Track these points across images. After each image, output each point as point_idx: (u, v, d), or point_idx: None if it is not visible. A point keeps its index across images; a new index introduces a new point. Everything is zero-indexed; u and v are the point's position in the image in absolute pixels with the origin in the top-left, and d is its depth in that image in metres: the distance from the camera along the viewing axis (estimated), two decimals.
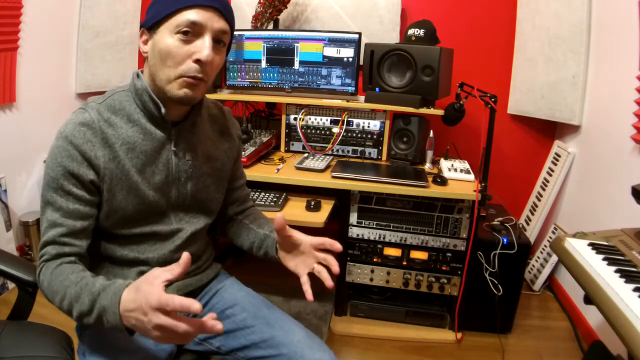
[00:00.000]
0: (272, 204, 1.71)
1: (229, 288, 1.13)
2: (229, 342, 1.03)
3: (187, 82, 0.87)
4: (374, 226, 1.85)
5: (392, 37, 2.40)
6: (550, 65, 2.19)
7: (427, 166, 1.99)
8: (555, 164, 2.31)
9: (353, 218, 1.86)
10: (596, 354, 1.46)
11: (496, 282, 1.81)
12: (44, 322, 1.04)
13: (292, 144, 2.16)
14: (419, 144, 1.97)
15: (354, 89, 2.09)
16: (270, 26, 2.32)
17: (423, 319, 1.95)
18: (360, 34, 2.04)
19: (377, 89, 1.99)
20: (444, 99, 2.00)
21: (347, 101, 2.07)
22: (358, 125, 2.08)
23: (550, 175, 2.33)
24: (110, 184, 0.89)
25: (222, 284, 1.14)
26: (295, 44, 2.09)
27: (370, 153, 2.10)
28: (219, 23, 0.87)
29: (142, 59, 0.93)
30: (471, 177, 1.84)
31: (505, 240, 1.80)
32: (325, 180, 1.77)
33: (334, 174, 1.78)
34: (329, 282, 0.91)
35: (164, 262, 0.99)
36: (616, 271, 0.96)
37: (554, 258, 2.21)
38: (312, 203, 1.74)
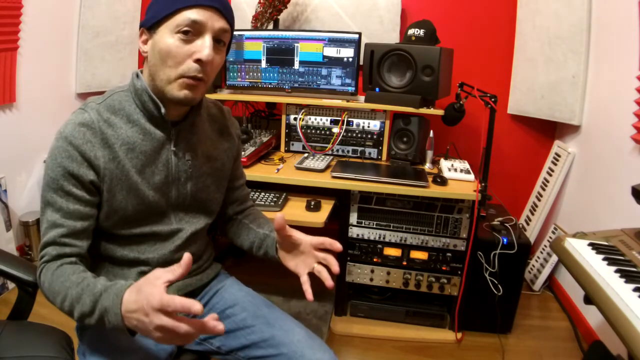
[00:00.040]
0: (272, 204, 1.71)
1: (229, 288, 1.13)
2: (229, 341, 1.03)
3: (187, 83, 0.87)
4: (374, 226, 1.85)
5: (392, 37, 2.40)
6: (550, 65, 2.19)
7: (427, 166, 1.99)
8: (555, 164, 2.31)
9: (353, 218, 1.86)
10: (596, 354, 1.46)
11: (496, 282, 1.81)
12: (44, 322, 1.04)
13: (292, 144, 2.16)
14: (419, 144, 1.97)
15: (354, 89, 2.09)
16: (270, 26, 2.32)
17: (423, 319, 1.95)
18: (360, 34, 2.04)
19: (377, 89, 1.99)
20: (444, 99, 2.00)
21: (347, 101, 2.07)
22: (358, 125, 2.08)
23: (550, 175, 2.33)
24: (110, 184, 0.89)
25: (222, 283, 1.14)
26: (295, 44, 2.09)
27: (370, 153, 2.10)
28: (219, 22, 0.87)
29: (142, 59, 0.93)
30: (471, 177, 1.84)
31: (505, 240, 1.80)
32: (325, 180, 1.77)
33: (334, 174, 1.78)
34: (329, 282, 0.91)
35: (164, 262, 0.99)
36: (616, 271, 0.96)
37: (554, 258, 2.21)
38: (312, 203, 1.74)
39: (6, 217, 2.10)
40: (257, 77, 2.18)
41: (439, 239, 1.81)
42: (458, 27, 2.41)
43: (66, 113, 0.92)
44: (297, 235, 0.96)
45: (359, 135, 2.09)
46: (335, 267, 0.91)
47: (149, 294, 0.71)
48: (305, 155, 2.03)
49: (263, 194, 1.78)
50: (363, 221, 1.85)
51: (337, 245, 0.92)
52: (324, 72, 2.10)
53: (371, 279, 1.91)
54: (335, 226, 1.87)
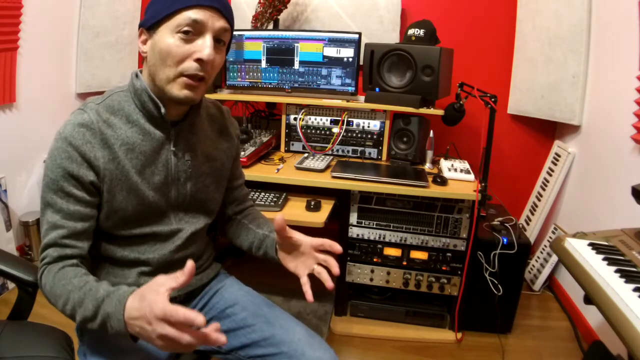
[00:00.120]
0: (272, 204, 1.71)
1: (229, 287, 1.13)
2: (230, 341, 1.03)
3: (187, 83, 0.86)
4: (374, 226, 1.85)
5: (392, 37, 2.40)
6: (550, 65, 2.19)
7: (427, 166, 1.99)
8: (555, 164, 2.31)
9: (353, 218, 1.86)
10: (596, 354, 1.46)
11: (496, 282, 1.81)
12: (44, 322, 1.04)
13: (292, 144, 2.16)
14: (419, 144, 1.97)
15: (354, 89, 2.09)
16: (270, 26, 2.32)
17: (423, 319, 1.95)
18: (360, 34, 2.04)
19: (377, 89, 1.99)
20: (444, 99, 2.00)
21: (347, 101, 2.07)
22: (358, 125, 2.08)
23: (550, 175, 2.33)
24: (110, 184, 0.89)
25: (222, 283, 1.14)
26: (295, 44, 2.09)
27: (370, 153, 2.10)
28: (219, 22, 0.87)
29: (142, 59, 0.93)
30: (471, 177, 1.84)
31: (505, 240, 1.80)
32: (325, 180, 1.77)
33: (334, 174, 1.78)
34: (329, 283, 0.91)
35: (165, 262, 0.99)
36: (616, 271, 0.96)
37: (554, 258, 2.21)
38: (312, 203, 1.74)
39: (6, 217, 2.10)
40: (257, 77, 2.18)
41: (439, 239, 1.81)
42: (458, 27, 2.41)
43: (66, 113, 0.92)
44: (297, 236, 0.96)
45: (359, 135, 2.09)
46: (335, 268, 0.91)
47: (152, 302, 0.71)
48: (305, 155, 2.03)
49: (263, 194, 1.78)
50: (363, 221, 1.85)
51: (337, 247, 0.92)
52: (324, 72, 2.10)
53: (371, 279, 1.91)
54: (335, 226, 1.87)
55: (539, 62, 2.24)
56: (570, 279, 1.70)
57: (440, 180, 1.76)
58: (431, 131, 1.96)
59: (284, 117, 2.13)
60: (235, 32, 2.05)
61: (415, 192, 1.72)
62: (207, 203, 1.06)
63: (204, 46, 0.85)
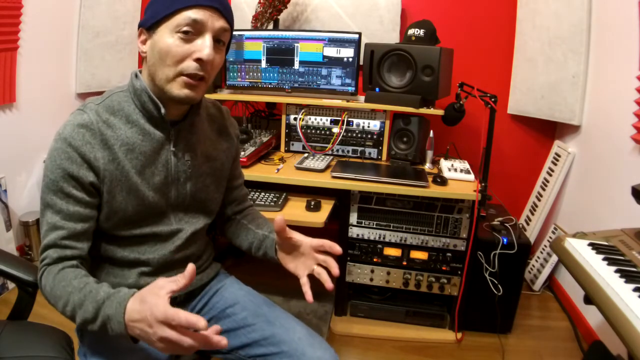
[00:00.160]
0: (272, 204, 1.71)
1: (229, 287, 1.13)
2: (230, 340, 1.02)
3: (187, 82, 0.86)
4: (374, 226, 1.85)
5: (392, 37, 2.40)
6: (550, 65, 2.19)
7: (427, 166, 1.99)
8: (555, 164, 2.31)
9: (353, 218, 1.86)
10: (596, 354, 1.46)
11: (496, 282, 1.81)
12: (44, 322, 1.04)
13: (292, 144, 2.16)
14: (419, 144, 1.97)
15: (354, 89, 2.09)
16: (270, 26, 2.32)
17: (423, 319, 1.95)
18: (360, 34, 2.04)
19: (377, 89, 1.99)
20: (444, 99, 2.00)
21: (347, 101, 2.07)
22: (358, 125, 2.08)
23: (550, 175, 2.33)
24: (110, 185, 0.89)
25: (222, 283, 1.14)
26: (295, 44, 2.09)
27: (370, 153, 2.10)
28: (219, 22, 0.87)
29: (142, 59, 0.93)
30: (471, 177, 1.84)
31: (505, 240, 1.80)
32: (325, 180, 1.77)
33: (334, 174, 1.78)
34: (328, 284, 0.91)
35: (165, 262, 0.99)
36: (616, 271, 0.96)
37: (554, 258, 2.21)
38: (312, 203, 1.74)
39: (6, 217, 2.10)
40: (257, 77, 2.18)
41: (439, 239, 1.81)
42: (458, 27, 2.41)
43: (66, 113, 0.92)
44: (297, 237, 0.96)
45: (359, 135, 2.09)
46: (335, 269, 0.91)
47: (152, 305, 0.71)
48: (305, 155, 2.03)
49: (263, 194, 1.78)
50: (363, 221, 1.85)
51: (337, 248, 0.92)
52: (324, 72, 2.10)
53: (371, 279, 1.91)
54: (335, 226, 1.87)
55: (539, 62, 2.24)
56: (570, 279, 1.71)
57: (440, 180, 1.76)
58: (431, 131, 1.96)
59: (284, 117, 2.13)
60: (235, 32, 2.05)
61: (415, 192, 1.72)
62: (206, 203, 1.06)
63: (204, 46, 0.85)
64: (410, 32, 1.96)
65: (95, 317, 0.78)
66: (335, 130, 2.09)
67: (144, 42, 0.89)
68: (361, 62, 2.07)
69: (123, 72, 2.57)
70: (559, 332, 2.00)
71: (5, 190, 2.11)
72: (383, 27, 2.41)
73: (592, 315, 1.90)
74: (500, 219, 1.96)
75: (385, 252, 1.87)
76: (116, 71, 2.56)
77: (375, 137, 2.08)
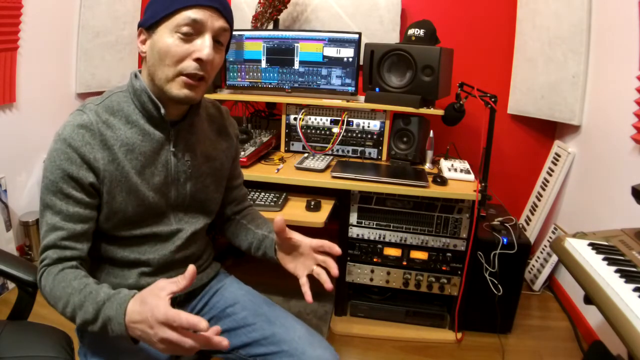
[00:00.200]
0: (272, 204, 1.71)
1: (229, 287, 1.13)
2: (230, 340, 1.02)
3: (187, 82, 0.86)
4: (374, 226, 1.85)
5: (392, 37, 2.40)
6: (550, 65, 2.19)
7: (427, 166, 1.99)
8: (555, 164, 2.31)
9: (353, 218, 1.86)
10: (596, 354, 1.46)
11: (496, 282, 1.81)
12: (44, 322, 1.04)
13: (292, 144, 2.16)
14: (419, 144, 1.97)
15: (354, 89, 2.09)
16: (270, 26, 2.32)
17: (423, 319, 1.95)
18: (360, 34, 2.04)
19: (377, 89, 1.99)
20: (444, 99, 2.00)
21: (347, 101, 2.07)
22: (358, 125, 2.08)
23: (550, 175, 2.33)
24: (110, 186, 0.89)
25: (222, 282, 1.14)
26: (295, 44, 2.09)
27: (370, 153, 2.10)
28: (219, 22, 0.87)
29: (141, 59, 0.93)
30: (471, 177, 1.84)
31: (505, 240, 1.80)
32: (325, 180, 1.77)
33: (334, 174, 1.78)
34: (328, 284, 0.91)
35: (165, 262, 0.99)
36: (616, 271, 0.96)
37: (554, 258, 2.21)
38: (312, 203, 1.74)
39: (6, 217, 2.10)
40: (257, 77, 2.18)
41: (439, 239, 1.81)
42: (458, 27, 2.41)
43: (66, 113, 0.92)
44: (297, 237, 0.96)
45: (359, 135, 2.09)
46: (334, 270, 0.91)
47: (153, 306, 0.71)
48: (305, 155, 2.03)
49: (263, 194, 1.78)
50: (363, 221, 1.85)
51: (336, 249, 0.92)
52: (324, 72, 2.10)
53: (371, 279, 1.91)
54: (335, 226, 1.87)
55: (539, 62, 2.24)
56: (570, 279, 1.71)
57: (440, 180, 1.76)
58: (431, 131, 1.96)
59: (284, 117, 2.13)
60: (235, 32, 2.05)
61: (415, 192, 1.72)
62: (206, 203, 1.06)
63: (204, 46, 0.85)
64: (410, 32, 1.96)
65: (96, 318, 0.78)
66: (335, 130, 2.09)
67: (143, 42, 0.89)
68: (361, 62, 2.07)
69: (123, 72, 2.57)
70: (559, 332, 2.00)
71: (5, 190, 2.11)
72: (383, 27, 2.41)
73: (592, 315, 1.90)
74: (500, 219, 1.96)
75: (385, 252, 1.87)
76: (116, 71, 2.56)
77: (375, 137, 2.08)
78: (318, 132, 2.12)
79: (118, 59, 2.57)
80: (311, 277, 0.94)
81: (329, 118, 2.10)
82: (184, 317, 0.69)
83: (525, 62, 2.32)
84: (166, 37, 0.85)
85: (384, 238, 1.85)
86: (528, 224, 2.43)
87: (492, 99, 1.67)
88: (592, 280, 0.98)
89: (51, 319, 1.08)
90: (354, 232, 1.87)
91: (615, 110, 1.85)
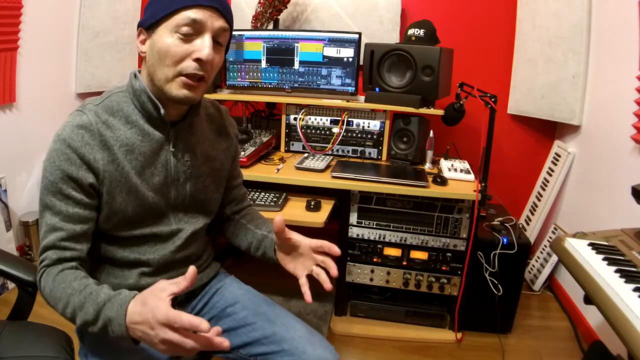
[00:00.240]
0: (272, 204, 1.71)
1: (229, 286, 1.13)
2: (231, 339, 1.02)
3: (186, 82, 0.86)
4: (374, 226, 1.85)
5: (392, 37, 2.40)
6: (550, 65, 2.19)
7: (427, 166, 1.98)
8: (555, 164, 2.31)
9: (353, 218, 1.86)
10: (596, 354, 1.46)
11: (496, 282, 1.81)
12: (44, 322, 1.04)
13: (292, 144, 2.16)
14: (419, 144, 1.97)
15: (354, 89, 2.09)
16: (270, 26, 2.32)
17: (423, 319, 1.95)
18: (360, 34, 2.04)
19: (377, 89, 1.99)
20: (444, 99, 2.00)
21: (347, 101, 2.07)
22: (358, 125, 2.08)
23: (550, 175, 2.33)
24: (109, 186, 0.89)
25: (222, 282, 1.14)
26: (295, 44, 2.09)
27: (370, 153, 2.10)
28: (218, 22, 0.87)
29: (141, 59, 0.93)
30: (471, 177, 1.84)
31: (505, 240, 1.80)
32: (325, 180, 1.77)
33: (334, 174, 1.78)
34: (327, 284, 0.91)
35: (165, 262, 0.99)
36: (616, 271, 0.96)
37: (554, 258, 2.21)
38: (312, 203, 1.74)
39: (6, 217, 2.10)
40: (257, 77, 2.18)
41: (439, 239, 1.81)
42: (458, 27, 2.41)
43: (66, 113, 0.91)
44: (296, 237, 0.96)
45: (359, 135, 2.09)
46: (333, 270, 0.91)
47: (154, 307, 0.71)
48: (305, 155, 2.03)
49: (263, 194, 1.78)
50: (363, 221, 1.85)
51: (336, 250, 0.92)
52: (324, 72, 2.10)
53: (371, 279, 1.91)
54: (335, 226, 1.87)
55: (539, 62, 2.24)
56: (570, 279, 1.70)
57: (440, 180, 1.76)
58: (431, 131, 1.96)
59: (284, 117, 2.13)
60: (235, 32, 2.05)
61: (415, 192, 1.72)
62: (206, 203, 1.06)
63: (203, 46, 0.85)
64: (410, 32, 1.96)
65: (96, 319, 0.78)
66: (335, 130, 2.09)
67: (143, 42, 0.89)
68: (361, 62, 2.07)
69: (123, 72, 2.57)
70: (559, 332, 2.00)
71: (5, 190, 2.11)
72: (383, 27, 2.41)
73: (592, 315, 1.90)
74: (500, 219, 1.96)
75: (385, 252, 1.87)
76: (116, 71, 2.56)
77: (375, 137, 2.08)
78: (318, 132, 2.12)
79: (118, 59, 2.57)
80: (311, 277, 0.94)
81: (329, 118, 2.10)
82: (186, 318, 0.69)
83: (525, 62, 2.32)
84: (166, 37, 0.84)
85: (384, 238, 1.85)
86: (528, 224, 2.43)
87: (492, 99, 1.67)
88: (592, 280, 0.98)
89: (51, 319, 1.08)
90: (354, 232, 1.87)
91: (615, 110, 1.85)
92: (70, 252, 0.86)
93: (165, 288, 0.74)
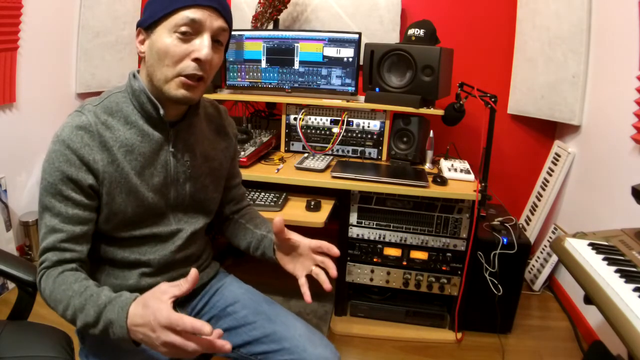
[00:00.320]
0: (272, 204, 1.71)
1: (228, 286, 1.13)
2: (231, 339, 1.03)
3: (185, 83, 0.86)
4: (374, 226, 1.85)
5: (392, 37, 2.40)
6: (550, 65, 2.19)
7: (427, 166, 1.98)
8: (555, 164, 2.31)
9: (353, 218, 1.86)
10: (596, 354, 1.46)
11: (496, 282, 1.81)
12: (44, 322, 1.04)
13: (292, 144, 2.16)
14: (419, 144, 1.97)
15: (354, 89, 2.09)
16: (270, 26, 2.32)
17: (423, 319, 1.95)
18: (360, 34, 2.04)
19: (377, 89, 1.99)
20: (444, 99, 2.00)
21: (347, 101, 2.07)
22: (358, 125, 2.08)
23: (550, 175, 2.33)
24: (109, 187, 0.88)
25: (222, 282, 1.14)
26: (295, 44, 2.09)
27: (370, 153, 2.10)
28: (217, 22, 0.86)
29: (140, 59, 0.92)
30: (471, 177, 1.84)
31: (505, 240, 1.80)
32: (325, 180, 1.77)
33: (334, 174, 1.78)
34: (326, 284, 0.91)
35: (166, 262, 0.99)
36: (616, 271, 0.96)
37: (554, 258, 2.21)
38: (312, 203, 1.74)
39: (6, 217, 2.10)
40: (257, 77, 2.18)
41: (439, 239, 1.81)
42: (458, 27, 2.41)
43: (66, 113, 0.91)
44: (296, 237, 0.96)
45: (359, 135, 2.09)
46: (332, 270, 0.91)
47: (156, 310, 0.71)
48: (305, 155, 2.03)
49: (263, 194, 1.78)
50: (363, 221, 1.85)
51: (335, 250, 0.92)
52: (324, 72, 2.10)
53: (371, 279, 1.91)
54: (335, 226, 1.87)
55: (539, 62, 2.24)
56: (570, 279, 1.70)
57: (440, 180, 1.76)
58: (431, 131, 1.96)
59: (284, 117, 2.13)
60: (235, 32, 2.05)
61: (415, 192, 1.72)
62: (205, 203, 1.06)
63: (202, 46, 0.84)
64: (410, 32, 1.96)
65: (97, 322, 0.78)
66: (335, 130, 2.09)
67: (142, 42, 0.89)
68: (361, 62, 2.07)
69: (123, 72, 2.57)
70: (559, 332, 2.00)
71: (5, 190, 2.12)
72: (383, 27, 2.41)
73: (592, 315, 1.90)
74: (500, 219, 1.96)
75: (385, 252, 1.87)
76: (116, 71, 2.56)
77: (375, 137, 2.08)
78: (318, 132, 2.12)
79: (118, 59, 2.57)
80: (310, 278, 0.94)
81: (329, 118, 2.10)
82: (188, 321, 0.69)
83: (525, 62, 2.32)
84: (165, 37, 0.84)
85: (384, 238, 1.85)
86: (528, 224, 2.43)
87: (492, 99, 1.67)
88: (592, 280, 0.98)
89: (51, 319, 1.08)
90: (354, 232, 1.87)
91: (615, 110, 1.85)
92: (70, 253, 0.86)
93: (167, 290, 0.74)
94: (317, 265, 0.94)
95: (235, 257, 2.46)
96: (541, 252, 2.34)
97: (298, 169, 1.88)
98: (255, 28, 2.30)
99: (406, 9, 2.41)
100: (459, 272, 1.83)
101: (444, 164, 1.95)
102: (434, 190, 1.71)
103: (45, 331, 1.01)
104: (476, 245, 1.77)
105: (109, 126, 0.89)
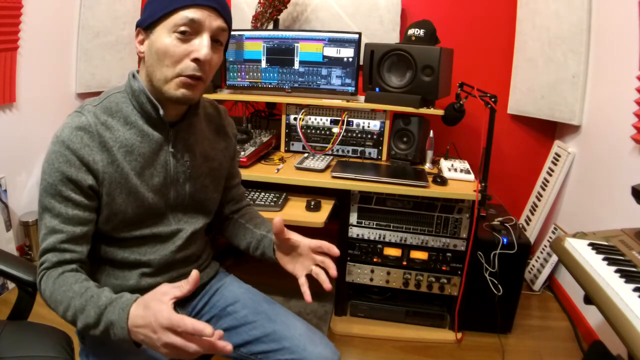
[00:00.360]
0: (272, 204, 1.71)
1: (228, 285, 1.13)
2: (232, 338, 1.03)
3: (184, 82, 0.86)
4: (374, 226, 1.85)
5: (392, 37, 2.40)
6: (550, 65, 2.19)
7: (427, 166, 1.98)
8: (555, 164, 2.31)
9: (353, 218, 1.86)
10: (596, 354, 1.46)
11: (496, 282, 1.81)
12: (44, 322, 1.04)
13: (292, 144, 2.16)
14: (419, 144, 1.97)
15: (354, 89, 2.09)
16: (270, 26, 2.32)
17: (423, 319, 1.95)
18: (360, 34, 2.04)
19: (377, 89, 1.99)
20: (444, 99, 2.00)
21: (347, 101, 2.07)
22: (358, 125, 2.08)
23: (550, 175, 2.33)
24: (109, 188, 0.88)
25: (221, 281, 1.14)
26: (295, 44, 2.09)
27: (370, 153, 2.10)
28: (217, 21, 0.86)
29: (140, 59, 0.92)
30: (471, 177, 1.84)
31: (505, 240, 1.80)
32: (325, 180, 1.77)
33: (334, 174, 1.78)
34: (326, 284, 0.91)
35: (166, 263, 0.99)
36: (616, 271, 0.96)
37: (554, 258, 2.21)
38: (312, 203, 1.74)
39: (6, 217, 2.10)
40: (257, 77, 2.18)
41: (439, 239, 1.81)
42: (458, 27, 2.41)
43: (66, 113, 0.91)
44: (296, 237, 0.96)
45: (359, 135, 2.09)
46: (332, 270, 0.91)
47: (157, 311, 0.71)
48: (305, 155, 2.03)
49: (263, 194, 1.78)
50: (363, 221, 1.85)
51: (335, 250, 0.92)
52: (324, 72, 2.10)
53: (371, 279, 1.91)
54: (335, 226, 1.87)
55: (539, 62, 2.24)
56: (570, 279, 1.71)
57: (440, 180, 1.76)
58: (431, 131, 1.96)
59: (284, 117, 2.13)
60: (235, 32, 2.05)
61: (415, 192, 1.72)
62: (205, 203, 1.06)
63: (202, 46, 0.84)
64: (410, 32, 1.96)
65: (98, 323, 0.77)
66: (335, 130, 2.09)
67: (141, 42, 0.89)
68: (361, 62, 2.07)
69: (123, 72, 2.57)
70: (559, 332, 2.00)
71: (5, 190, 2.12)
72: (383, 27, 2.41)
73: (592, 315, 1.90)
74: (500, 219, 1.96)
75: (385, 252, 1.87)
76: (116, 71, 2.56)
77: (375, 137, 2.08)
78: (318, 132, 2.12)
79: (118, 59, 2.57)
80: (310, 277, 0.94)
81: (329, 118, 2.10)
82: (189, 322, 0.69)
83: (525, 62, 2.32)
84: (164, 37, 0.84)
85: (384, 238, 1.85)
86: (528, 224, 2.43)
87: (492, 99, 1.67)
88: (592, 280, 0.98)
89: (51, 319, 1.08)
90: (354, 232, 1.87)
91: (615, 110, 1.85)
92: (70, 254, 0.86)
93: (168, 292, 0.74)
94: (317, 265, 0.94)
95: (235, 257, 2.46)
96: (541, 252, 2.34)
97: (298, 169, 1.88)
98: (255, 28, 2.30)
99: (406, 9, 2.41)
100: (459, 272, 1.83)
101: (444, 164, 1.95)
102: (434, 190, 1.71)
103: (45, 331, 1.01)
104: (476, 245, 1.77)
105: (108, 126, 0.89)
